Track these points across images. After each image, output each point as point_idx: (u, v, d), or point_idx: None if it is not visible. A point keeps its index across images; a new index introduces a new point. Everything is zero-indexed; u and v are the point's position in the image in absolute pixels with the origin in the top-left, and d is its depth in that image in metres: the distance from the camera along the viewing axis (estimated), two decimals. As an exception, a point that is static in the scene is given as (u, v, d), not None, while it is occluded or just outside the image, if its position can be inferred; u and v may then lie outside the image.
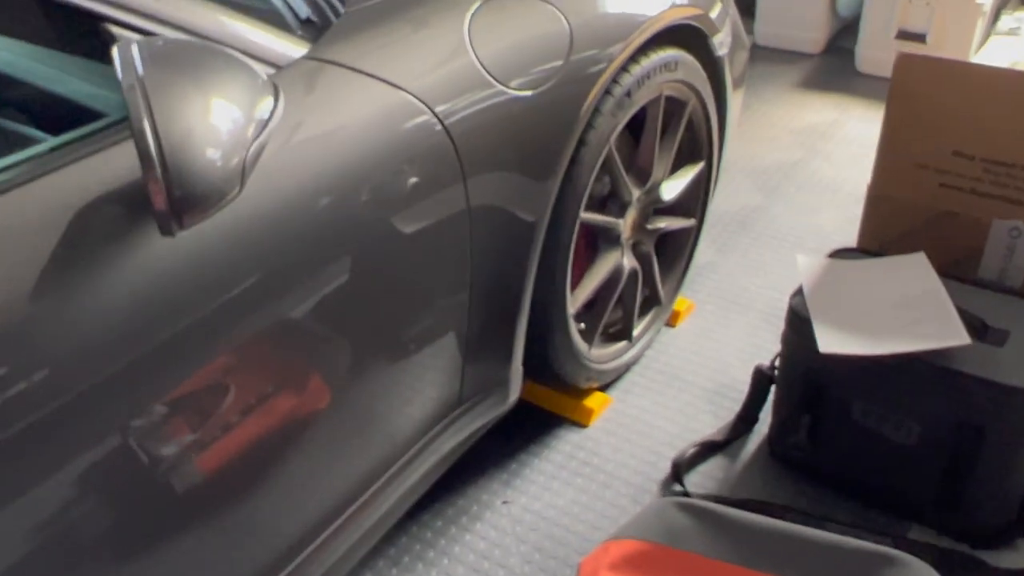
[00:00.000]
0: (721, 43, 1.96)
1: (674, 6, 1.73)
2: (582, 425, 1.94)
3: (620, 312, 2.01)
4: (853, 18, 3.74)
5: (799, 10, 3.77)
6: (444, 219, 1.32)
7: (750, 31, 4.02)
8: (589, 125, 1.59)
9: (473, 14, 1.40)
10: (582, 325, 1.86)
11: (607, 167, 1.73)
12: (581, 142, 1.58)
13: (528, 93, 1.42)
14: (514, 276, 1.51)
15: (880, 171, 1.89)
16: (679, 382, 2.05)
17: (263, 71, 1.08)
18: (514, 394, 1.68)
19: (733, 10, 2.21)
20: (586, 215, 1.68)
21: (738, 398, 1.93)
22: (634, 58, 1.67)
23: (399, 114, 1.24)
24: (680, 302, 2.26)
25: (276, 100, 1.01)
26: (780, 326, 1.74)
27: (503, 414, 1.70)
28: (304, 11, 1.30)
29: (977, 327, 1.57)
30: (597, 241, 1.86)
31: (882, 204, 1.91)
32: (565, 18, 1.50)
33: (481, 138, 1.35)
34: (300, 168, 1.12)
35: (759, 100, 3.46)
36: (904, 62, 1.82)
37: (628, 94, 1.65)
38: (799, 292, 1.69)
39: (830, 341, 1.57)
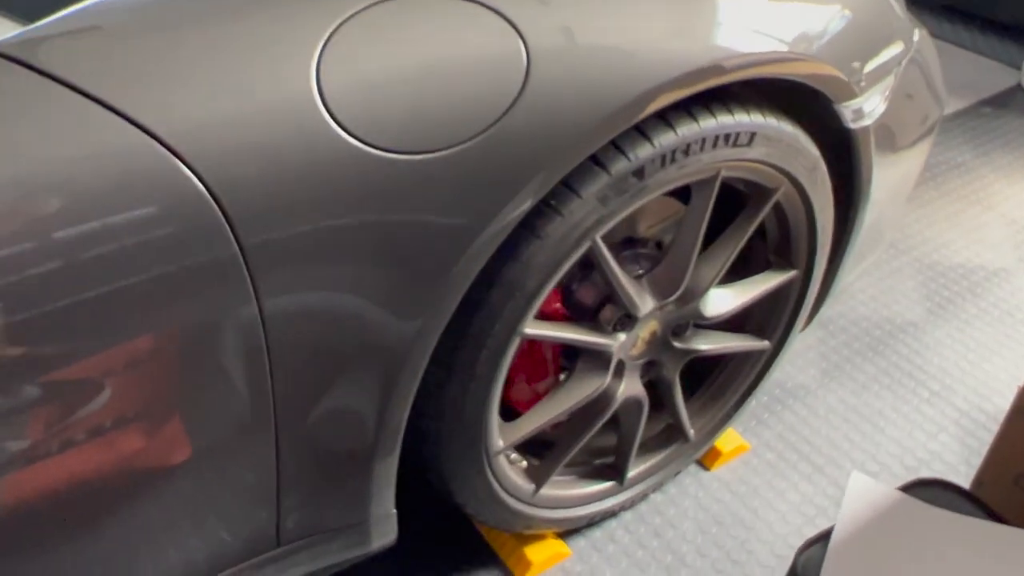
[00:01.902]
0: (860, 111, 1.29)
1: (767, 54, 1.11)
2: (513, 579, 1.43)
3: (614, 440, 1.46)
4: None
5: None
6: (200, 322, 0.85)
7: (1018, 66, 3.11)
8: (546, 210, 1.04)
9: (344, 24, 0.88)
10: (524, 463, 1.33)
11: (593, 267, 1.17)
12: (530, 233, 1.04)
13: (412, 157, 0.89)
14: (364, 407, 1.02)
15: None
16: (672, 557, 1.47)
17: None
18: (382, 539, 1.20)
19: (927, 58, 1.51)
20: (536, 331, 1.14)
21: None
22: (665, 117, 1.08)
23: (129, 162, 0.78)
24: (729, 438, 1.65)
25: None
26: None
27: (371, 554, 1.23)
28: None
29: None
30: (574, 354, 1.30)
31: (1035, 424, 1.20)
32: (523, 38, 0.94)
33: (285, 210, 0.85)
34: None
35: (987, 165, 2.61)
36: None
37: (639, 173, 1.07)
38: (816, 543, 1.07)
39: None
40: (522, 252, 1.04)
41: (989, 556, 1.04)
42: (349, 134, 0.86)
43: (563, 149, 0.96)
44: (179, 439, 0.93)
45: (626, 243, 1.31)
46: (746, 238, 1.30)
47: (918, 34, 1.48)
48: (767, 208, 1.28)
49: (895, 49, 1.35)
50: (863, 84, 1.27)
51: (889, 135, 1.44)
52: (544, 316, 1.25)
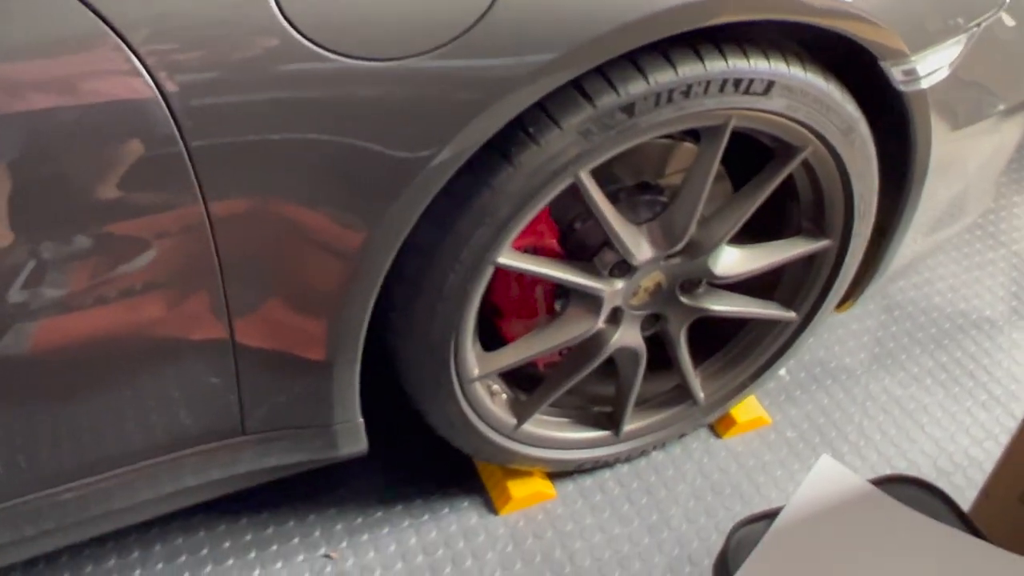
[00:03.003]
0: (914, 72, 1.17)
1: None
2: (492, 511, 1.43)
3: (614, 390, 1.42)
4: None
5: None
6: (148, 217, 0.88)
7: None
8: (522, 136, 1.00)
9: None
10: (505, 396, 1.32)
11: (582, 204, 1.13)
12: (503, 159, 1.01)
13: (370, 63, 0.88)
14: (316, 313, 1.03)
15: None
16: (658, 517, 1.43)
17: None
18: (350, 446, 1.23)
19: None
20: (512, 262, 1.11)
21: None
22: (665, 52, 1.01)
23: (79, 46, 0.80)
24: (748, 408, 1.58)
25: None
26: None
27: (342, 458, 1.26)
28: None
29: None
30: (566, 292, 1.27)
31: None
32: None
33: (235, 113, 0.86)
34: None
35: None
36: None
37: (628, 109, 1.01)
38: (755, 521, 1.01)
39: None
40: (494, 178, 1.01)
41: (943, 562, 0.96)
42: (304, 36, 0.86)
43: (533, 74, 0.92)
44: (136, 322, 0.97)
45: (640, 187, 1.26)
46: (764, 197, 1.21)
47: (1016, -4, 1.32)
48: (789, 168, 1.19)
49: (970, 7, 1.21)
50: (918, 42, 1.15)
51: (970, 100, 1.31)
52: (536, 250, 1.23)
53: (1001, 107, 1.40)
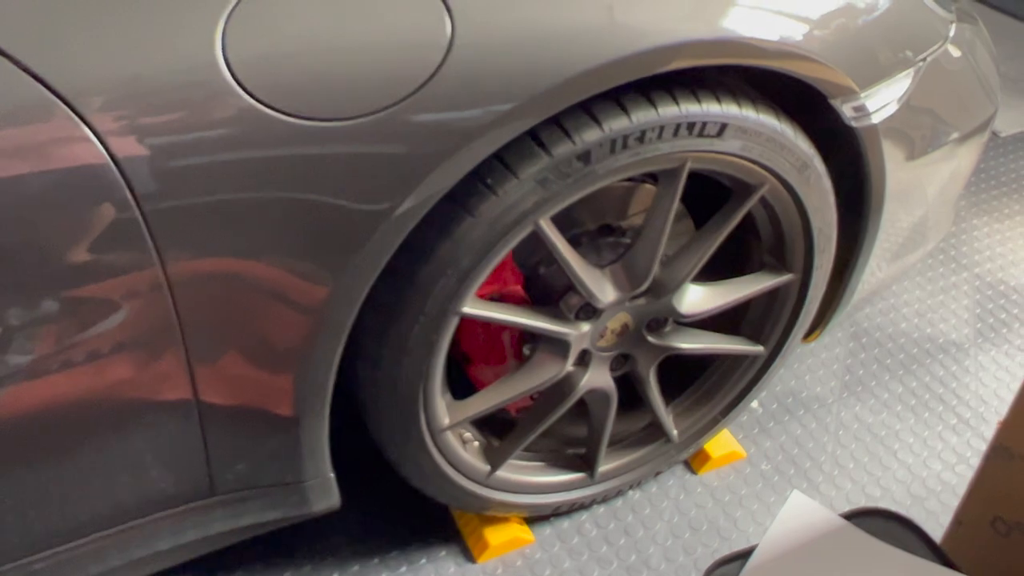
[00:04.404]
0: (863, 108, 1.19)
1: (727, 41, 1.03)
2: (470, 559, 1.42)
3: (587, 431, 1.42)
4: None
5: None
6: (107, 284, 0.88)
7: None
8: (480, 188, 1.01)
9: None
10: (477, 443, 1.32)
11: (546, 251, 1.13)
12: (463, 210, 1.01)
13: (322, 124, 0.88)
14: (280, 370, 1.02)
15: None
16: (637, 557, 1.43)
17: None
18: (323, 501, 1.22)
19: (977, 52, 1.39)
20: (477, 311, 1.12)
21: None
22: (618, 100, 1.03)
23: (29, 117, 0.80)
24: (722, 443, 1.59)
25: None
26: None
27: (315, 515, 1.25)
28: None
29: None
30: (534, 337, 1.27)
31: (1013, 464, 1.09)
32: (448, 8, 0.91)
33: (187, 176, 0.86)
34: None
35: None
36: None
37: (584, 157, 1.03)
38: (729, 562, 1.01)
39: None
40: (454, 229, 1.02)
41: (915, 598, 0.96)
42: (256, 99, 0.86)
43: (487, 126, 0.93)
44: (97, 386, 0.96)
45: (602, 230, 1.27)
46: (724, 235, 1.23)
47: (960, 28, 1.36)
48: (747, 206, 1.21)
49: (916, 42, 1.25)
50: (867, 78, 1.18)
51: (923, 131, 1.33)
52: (502, 297, 1.23)
53: (955, 135, 1.43)
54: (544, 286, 1.26)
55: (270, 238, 0.92)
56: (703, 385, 1.49)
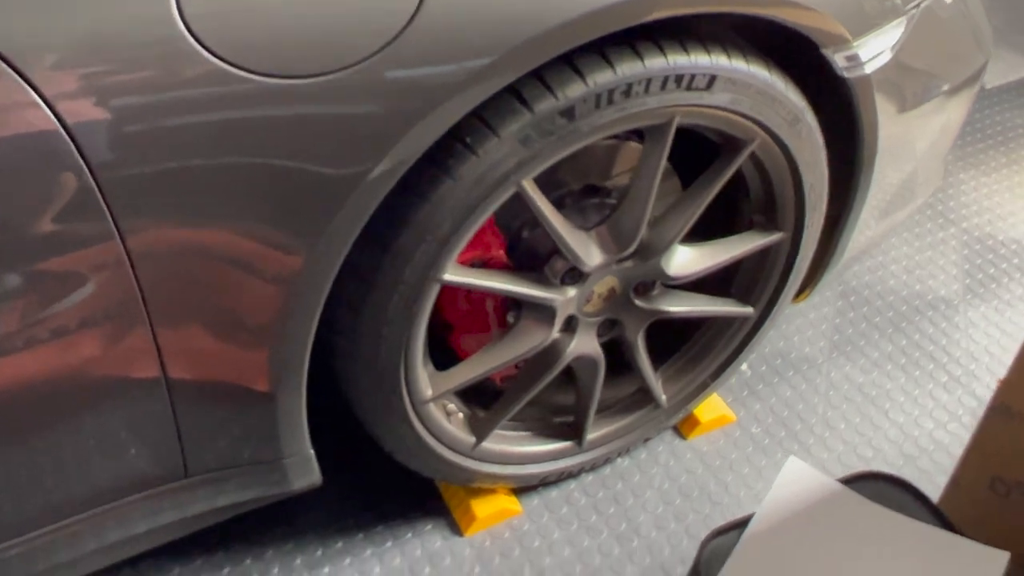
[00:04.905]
0: (856, 58, 1.15)
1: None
2: (457, 532, 1.39)
3: (574, 399, 1.38)
4: None
5: None
6: (65, 256, 0.82)
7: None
8: (460, 148, 0.96)
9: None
10: (462, 415, 1.28)
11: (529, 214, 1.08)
12: (442, 172, 0.96)
13: (288, 81, 0.83)
14: (252, 344, 0.97)
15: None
16: (627, 525, 1.40)
17: None
18: (303, 479, 1.17)
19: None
20: (458, 278, 1.07)
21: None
22: (603, 52, 0.97)
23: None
24: (711, 407, 1.56)
25: None
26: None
27: (296, 493, 1.21)
28: None
29: None
30: (518, 304, 1.22)
31: (1013, 423, 1.07)
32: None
33: (145, 142, 0.80)
34: None
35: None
36: None
37: (568, 113, 0.97)
38: (726, 532, 0.98)
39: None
40: (433, 192, 0.97)
41: (915, 558, 0.93)
42: (215, 56, 0.80)
43: (466, 81, 0.88)
44: (61, 364, 0.91)
45: (587, 191, 1.22)
46: (713, 194, 1.18)
47: (952, -25, 1.31)
48: (737, 162, 1.16)
49: (909, -10, 1.20)
50: (859, 26, 1.13)
51: (915, 82, 1.29)
52: (484, 263, 1.19)
53: (946, 87, 1.39)
54: (528, 250, 1.21)
55: (237, 206, 0.87)
56: (692, 349, 1.46)
